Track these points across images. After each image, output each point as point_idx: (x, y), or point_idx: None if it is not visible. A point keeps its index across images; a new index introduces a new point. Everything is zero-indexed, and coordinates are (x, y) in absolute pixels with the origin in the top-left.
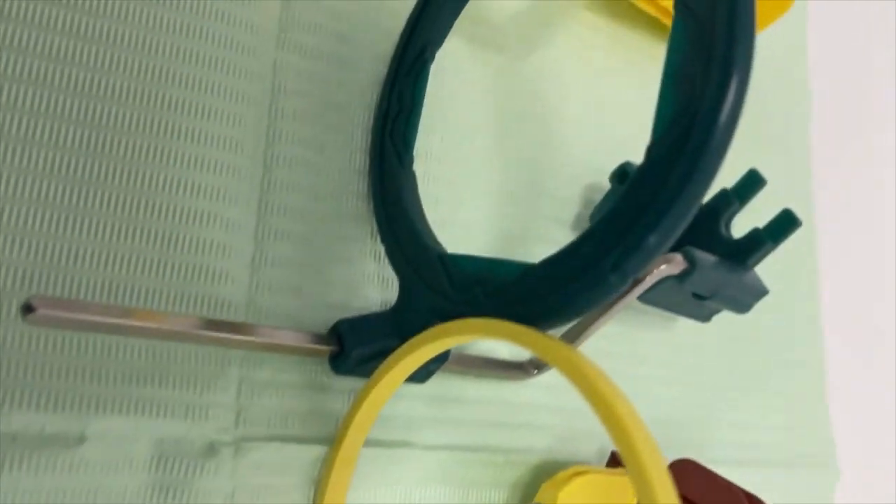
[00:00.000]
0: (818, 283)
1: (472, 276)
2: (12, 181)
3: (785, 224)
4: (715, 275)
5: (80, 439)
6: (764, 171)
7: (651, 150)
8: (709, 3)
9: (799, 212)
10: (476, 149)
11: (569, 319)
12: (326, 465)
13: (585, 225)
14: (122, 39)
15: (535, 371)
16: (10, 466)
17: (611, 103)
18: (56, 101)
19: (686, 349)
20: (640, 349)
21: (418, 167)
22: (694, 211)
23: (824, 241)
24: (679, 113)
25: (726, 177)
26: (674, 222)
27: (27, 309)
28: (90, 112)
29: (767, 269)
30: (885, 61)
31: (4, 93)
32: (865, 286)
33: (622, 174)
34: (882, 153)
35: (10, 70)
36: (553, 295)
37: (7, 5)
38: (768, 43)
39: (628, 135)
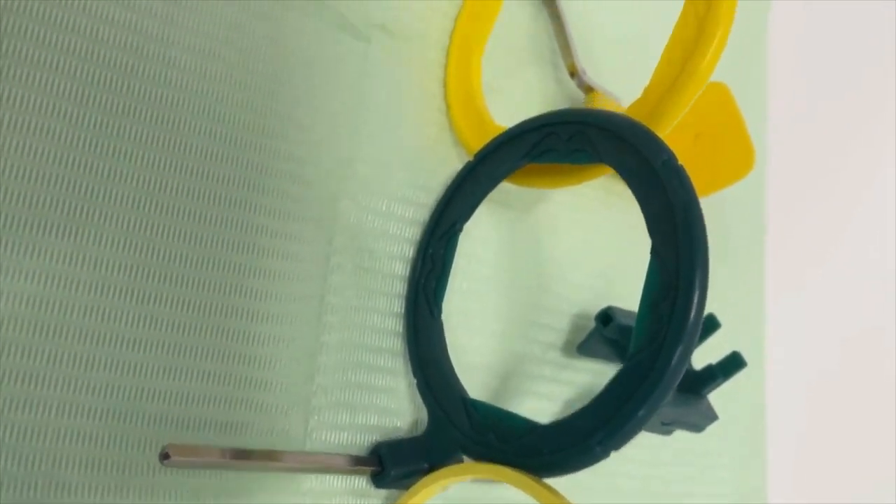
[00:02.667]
0: (764, 385)
1: (489, 423)
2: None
3: (734, 364)
4: (675, 408)
5: None
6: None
7: (632, 358)
8: (674, 257)
9: (750, 329)
10: (489, 287)
11: (562, 474)
12: None
13: (573, 350)
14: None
15: None
16: None
17: (592, 249)
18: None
19: (649, 448)
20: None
21: (445, 303)
22: (659, 408)
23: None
24: (652, 334)
25: None
26: (640, 422)
27: (164, 456)
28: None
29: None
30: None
31: None
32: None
33: (604, 316)
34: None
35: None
36: (551, 455)
37: None
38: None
39: (606, 275)
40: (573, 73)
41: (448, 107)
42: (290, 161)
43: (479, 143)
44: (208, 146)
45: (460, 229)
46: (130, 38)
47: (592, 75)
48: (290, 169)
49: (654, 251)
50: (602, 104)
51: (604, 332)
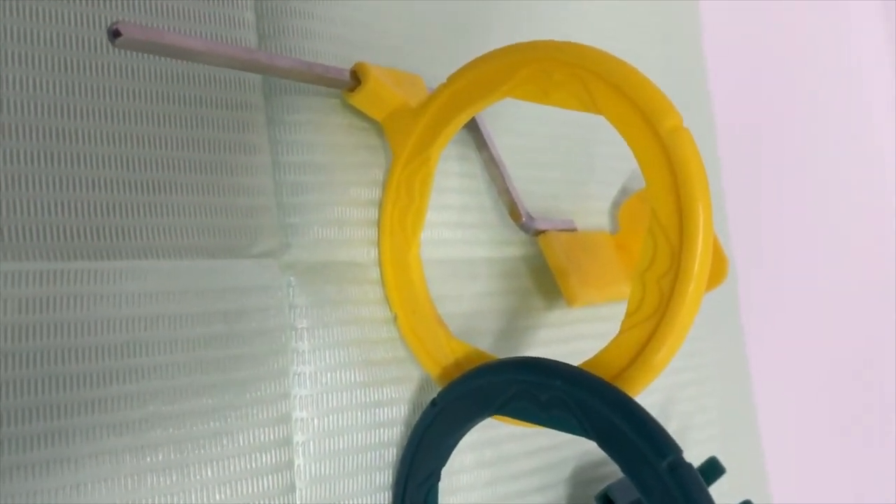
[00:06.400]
0: None
1: None
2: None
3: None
4: None
5: None
6: None
7: None
8: None
9: None
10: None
11: None
12: None
13: None
14: None
15: None
16: None
17: None
18: None
19: None
20: None
21: None
22: None
23: None
24: None
25: None
26: None
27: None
28: None
29: None
30: None
31: None
32: None
33: (604, 498)
34: None
35: None
36: None
37: None
38: None
39: None
40: (517, 219)
41: (397, 325)
42: None
43: (436, 367)
44: None
45: (438, 478)
46: None
47: (538, 205)
48: None
49: None
50: (554, 244)
51: None
